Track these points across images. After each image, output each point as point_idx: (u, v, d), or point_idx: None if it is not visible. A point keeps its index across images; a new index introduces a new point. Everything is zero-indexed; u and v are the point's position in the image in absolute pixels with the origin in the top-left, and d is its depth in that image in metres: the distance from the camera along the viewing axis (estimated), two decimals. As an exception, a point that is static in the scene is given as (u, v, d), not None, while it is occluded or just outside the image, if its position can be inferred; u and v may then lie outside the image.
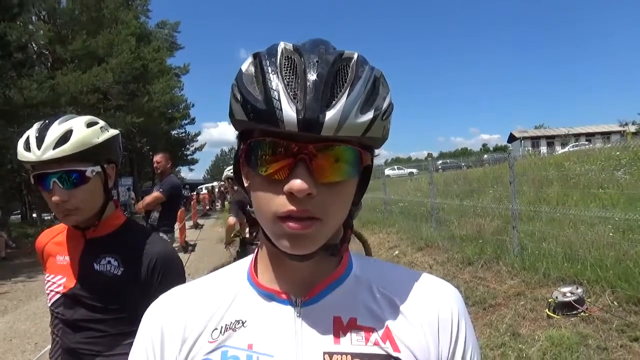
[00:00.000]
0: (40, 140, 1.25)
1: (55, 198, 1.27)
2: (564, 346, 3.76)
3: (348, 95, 0.58)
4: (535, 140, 48.10)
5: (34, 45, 21.66)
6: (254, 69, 0.62)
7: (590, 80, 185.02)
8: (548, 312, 4.35)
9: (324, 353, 0.64)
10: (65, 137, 1.25)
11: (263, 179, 0.61)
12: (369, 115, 0.60)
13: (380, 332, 0.67)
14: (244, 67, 0.63)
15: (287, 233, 0.60)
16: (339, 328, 0.66)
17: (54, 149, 1.24)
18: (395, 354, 0.65)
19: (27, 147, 1.26)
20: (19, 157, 1.28)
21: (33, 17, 22.37)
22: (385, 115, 0.62)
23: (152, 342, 0.71)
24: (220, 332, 0.68)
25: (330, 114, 0.56)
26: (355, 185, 0.67)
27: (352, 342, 0.65)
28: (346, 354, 0.64)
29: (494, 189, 8.45)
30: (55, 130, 1.26)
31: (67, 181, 1.28)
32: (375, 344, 0.65)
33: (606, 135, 42.84)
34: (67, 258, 1.40)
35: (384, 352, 0.65)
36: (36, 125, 1.30)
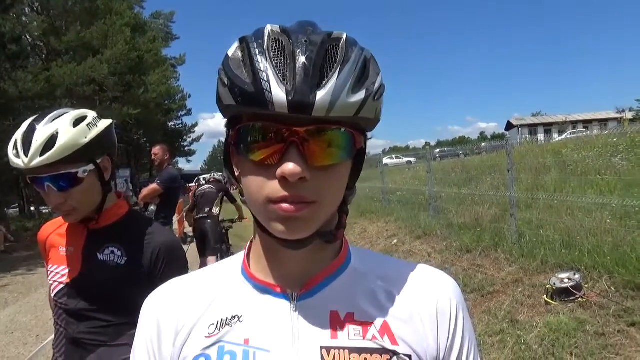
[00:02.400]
0: (26, 146, 1.23)
1: (51, 201, 1.27)
2: (562, 332, 3.79)
3: (339, 75, 0.57)
4: (532, 128, 48.02)
5: (28, 37, 21.45)
6: (241, 52, 0.60)
7: (588, 67, 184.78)
8: (546, 299, 4.38)
9: (321, 348, 0.63)
10: (51, 142, 1.23)
11: (254, 165, 0.60)
12: (361, 95, 0.58)
13: (378, 326, 0.66)
14: (230, 52, 0.62)
15: (281, 216, 0.59)
16: (336, 322, 0.66)
17: (40, 155, 1.22)
18: (392, 347, 0.64)
19: (16, 154, 1.24)
20: (10, 163, 1.26)
21: (26, 9, 22.14)
22: (377, 96, 0.61)
23: (151, 335, 0.71)
24: (217, 327, 0.67)
25: (321, 95, 0.55)
26: (349, 169, 0.65)
27: (350, 337, 0.64)
28: (344, 348, 0.63)
29: (492, 177, 8.45)
30: (41, 134, 1.23)
31: (61, 184, 1.27)
32: (373, 338, 0.65)
33: (603, 122, 42.77)
34: (71, 249, 1.41)
35: (381, 347, 0.64)
36: (23, 127, 1.27)
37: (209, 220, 6.51)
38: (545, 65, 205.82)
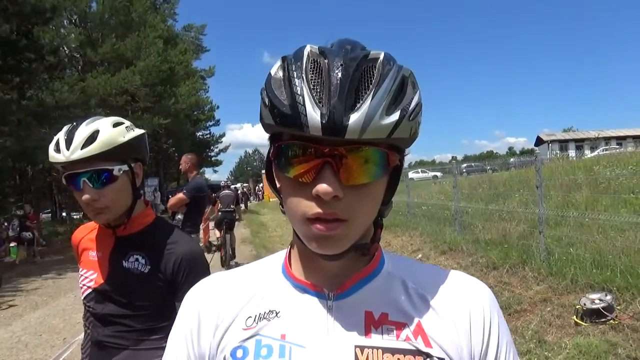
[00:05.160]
0: (69, 141, 1.29)
1: (85, 197, 1.31)
2: (592, 354, 3.67)
3: (373, 97, 0.58)
4: (563, 144, 46.88)
5: (65, 48, 22.24)
6: (282, 73, 0.63)
7: (622, 80, 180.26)
8: (575, 319, 4.25)
9: (355, 346, 0.65)
10: (92, 137, 1.30)
11: (291, 182, 0.63)
12: (395, 116, 0.59)
13: (412, 327, 0.67)
14: (273, 71, 0.64)
15: (316, 235, 0.62)
16: (370, 322, 0.68)
17: (82, 149, 1.28)
18: (426, 350, 0.65)
19: (57, 149, 1.31)
20: (50, 159, 1.33)
21: (65, 21, 22.97)
22: (413, 116, 0.62)
23: (190, 326, 0.74)
24: (255, 320, 0.70)
25: (354, 117, 0.57)
26: (384, 186, 0.67)
27: (383, 337, 0.66)
28: (377, 348, 0.65)
29: (520, 193, 8.30)
30: (83, 131, 1.31)
31: (97, 180, 1.31)
32: (407, 339, 0.66)
33: (638, 138, 41.48)
34: (99, 254, 1.45)
35: (414, 348, 0.65)
36: (65, 128, 1.34)
37: (235, 214, 10.20)
38: (578, 80, 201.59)
